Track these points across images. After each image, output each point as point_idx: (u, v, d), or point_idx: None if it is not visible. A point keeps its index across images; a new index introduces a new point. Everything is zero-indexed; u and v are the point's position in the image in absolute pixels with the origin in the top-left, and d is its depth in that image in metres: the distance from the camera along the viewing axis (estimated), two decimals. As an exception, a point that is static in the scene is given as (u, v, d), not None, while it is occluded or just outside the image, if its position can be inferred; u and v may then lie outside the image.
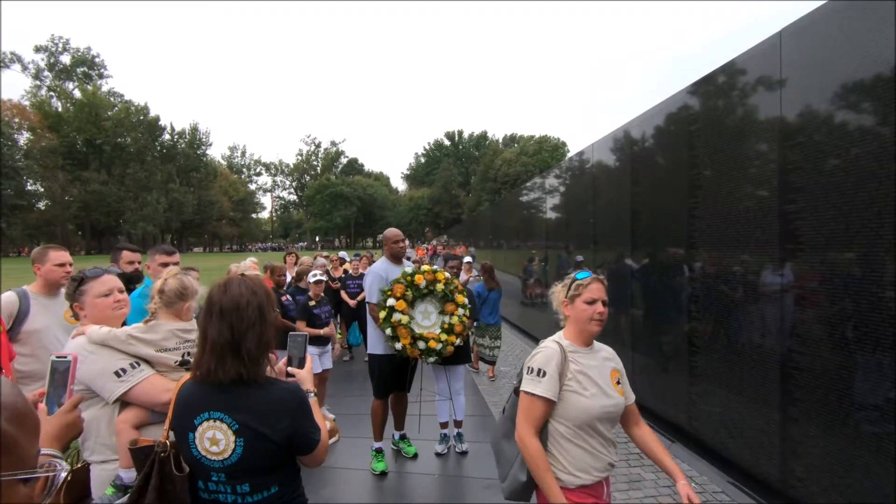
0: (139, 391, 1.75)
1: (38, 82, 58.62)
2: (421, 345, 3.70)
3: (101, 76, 62.53)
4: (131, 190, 56.14)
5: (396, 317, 3.70)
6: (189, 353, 1.94)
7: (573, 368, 1.82)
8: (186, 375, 1.93)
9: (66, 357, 1.48)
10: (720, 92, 3.85)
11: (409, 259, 10.50)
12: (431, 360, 3.77)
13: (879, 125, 2.49)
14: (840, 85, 2.74)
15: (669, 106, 4.54)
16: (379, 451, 4.00)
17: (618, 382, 1.91)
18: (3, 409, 0.59)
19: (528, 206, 10.21)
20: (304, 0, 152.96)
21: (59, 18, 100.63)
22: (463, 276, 8.21)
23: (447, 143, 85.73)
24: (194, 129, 68.00)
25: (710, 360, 3.84)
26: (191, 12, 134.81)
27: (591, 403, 1.78)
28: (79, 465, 1.83)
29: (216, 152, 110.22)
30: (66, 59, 60.21)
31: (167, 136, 65.02)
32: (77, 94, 58.18)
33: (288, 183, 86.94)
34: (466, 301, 4.05)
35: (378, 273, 4.01)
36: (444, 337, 3.79)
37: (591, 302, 1.84)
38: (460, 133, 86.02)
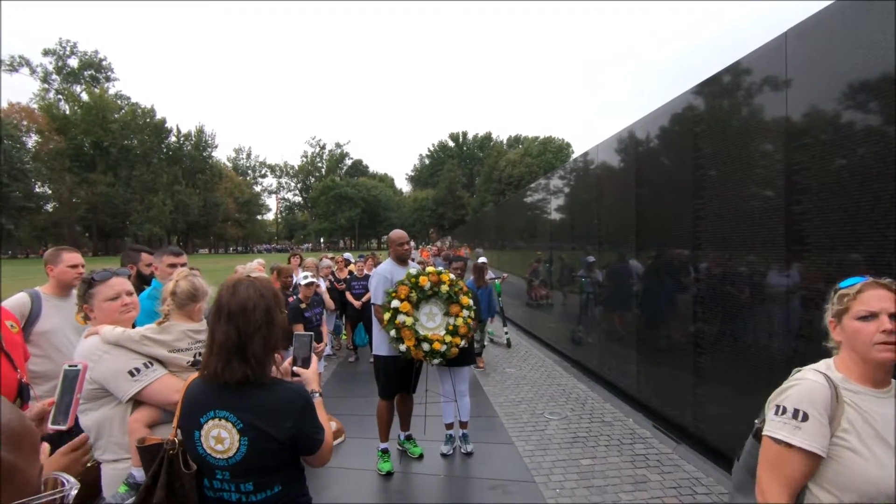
0: (152, 390, 1.78)
1: (46, 85, 59.27)
2: (425, 346, 3.70)
3: (108, 79, 63.14)
4: (138, 192, 56.58)
5: (401, 318, 3.70)
6: (200, 354, 1.97)
7: (851, 415, 1.29)
8: (195, 375, 1.96)
9: (77, 366, 1.51)
10: (725, 93, 3.85)
11: (413, 261, 10.55)
12: (436, 361, 3.77)
13: (885, 125, 2.49)
14: (846, 85, 2.74)
15: (674, 107, 4.54)
16: (385, 452, 4.01)
17: None
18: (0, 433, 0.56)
19: (533, 208, 10.20)
20: (309, 2, 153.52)
21: (67, 21, 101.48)
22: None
23: (451, 144, 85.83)
24: (200, 132, 68.44)
25: (716, 361, 3.83)
26: (197, 15, 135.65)
27: (884, 475, 1.21)
28: (88, 465, 1.86)
29: (222, 154, 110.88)
30: (73, 62, 60.92)
31: (173, 139, 65.53)
32: (84, 96, 58.64)
33: (293, 184, 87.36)
34: (472, 303, 4.03)
35: (383, 275, 4.02)
36: (448, 339, 3.79)
37: (869, 317, 1.31)
38: (465, 134, 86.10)
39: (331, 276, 7.83)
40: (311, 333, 1.82)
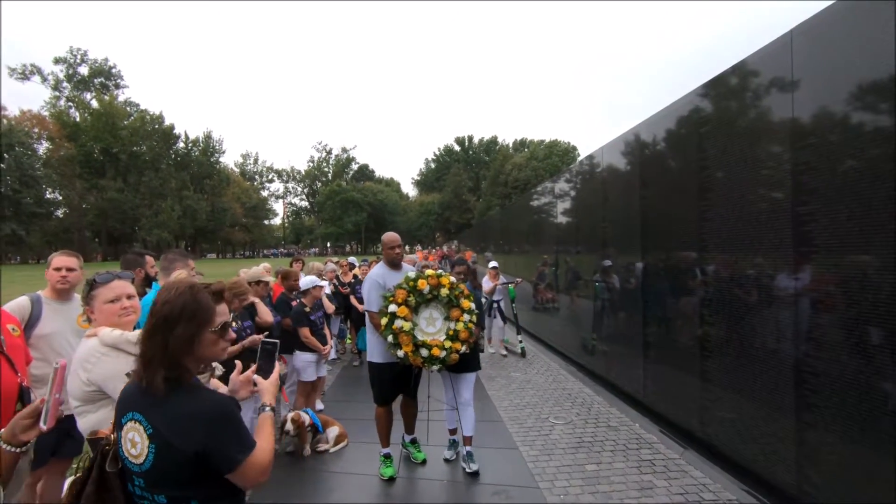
0: None
1: (56, 93, 60.13)
2: (424, 352, 3.58)
3: (117, 86, 63.89)
4: (146, 197, 57.12)
5: (398, 323, 3.57)
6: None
7: None
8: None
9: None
10: (730, 93, 3.81)
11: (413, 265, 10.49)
12: (435, 368, 3.63)
13: (894, 125, 2.44)
14: (853, 85, 2.70)
15: (679, 108, 4.50)
16: (387, 457, 3.97)
17: None
18: None
19: (537, 211, 10.17)
20: (315, 4, 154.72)
21: (78, 29, 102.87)
22: (489, 284, 7.94)
23: (457, 148, 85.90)
24: (208, 137, 69.06)
25: (723, 365, 3.77)
26: (206, 22, 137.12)
27: None
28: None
29: (229, 159, 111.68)
30: (84, 70, 61.67)
31: (181, 144, 66.14)
32: (94, 104, 59.37)
33: (300, 189, 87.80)
34: (473, 307, 3.88)
35: (375, 280, 3.91)
36: (448, 344, 3.65)
37: None
38: (470, 138, 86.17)
39: (335, 280, 7.84)
40: (277, 342, 1.78)
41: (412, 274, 3.80)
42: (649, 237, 5.07)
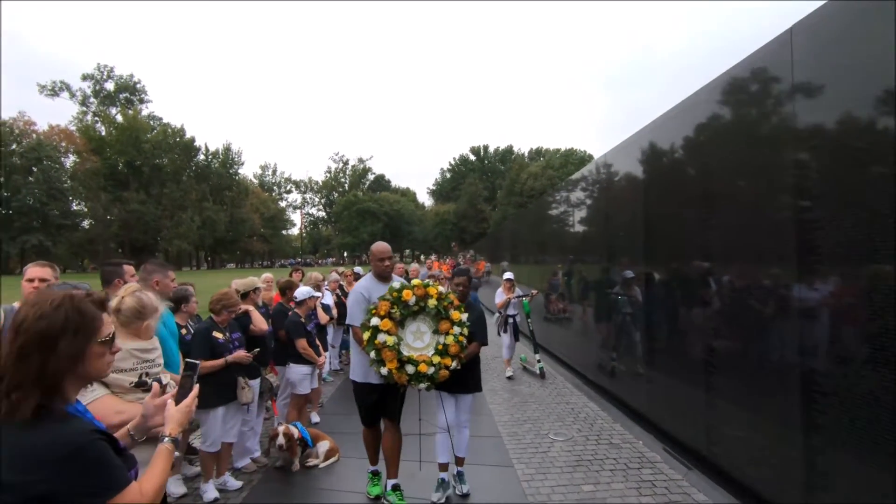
0: (90, 411, 1.68)
1: (84, 108, 62.15)
2: (410, 369, 3.27)
3: (141, 101, 65.73)
4: (168, 209, 58.39)
5: (381, 338, 3.27)
6: (147, 374, 1.88)
7: None
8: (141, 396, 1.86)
9: None
10: (730, 95, 3.64)
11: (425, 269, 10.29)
12: (422, 386, 3.32)
13: (899, 124, 2.26)
14: (858, 84, 2.53)
15: (680, 111, 4.35)
16: (375, 474, 3.82)
17: None
18: None
19: (547, 219, 10.01)
20: (332, 16, 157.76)
21: (105, 47, 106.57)
22: (502, 297, 7.40)
23: (473, 158, 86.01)
24: (227, 150, 70.44)
25: (730, 381, 3.57)
26: (226, 37, 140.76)
27: None
28: None
29: (248, 171, 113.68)
30: (110, 85, 63.64)
31: (202, 157, 67.50)
32: (119, 118, 61.14)
33: (317, 200, 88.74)
34: (465, 318, 3.55)
35: (359, 293, 3.61)
36: (437, 360, 3.33)
37: None
38: (486, 148, 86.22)
39: (338, 291, 7.78)
40: (198, 363, 1.67)
41: (397, 284, 3.52)
42: (651, 245, 4.89)
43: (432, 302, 3.48)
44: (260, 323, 4.43)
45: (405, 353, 3.35)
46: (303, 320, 4.82)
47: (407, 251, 78.85)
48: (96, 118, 61.78)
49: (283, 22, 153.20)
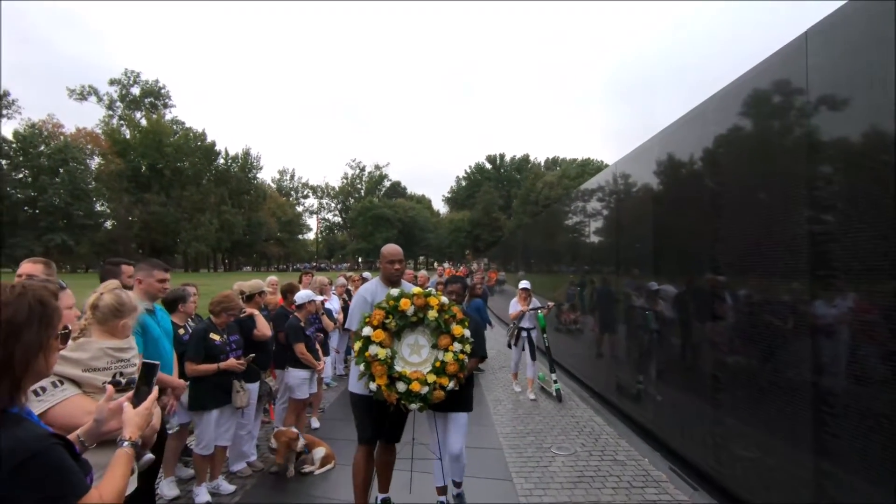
0: (58, 412, 1.63)
1: (110, 112, 63.78)
2: (400, 386, 2.95)
3: (165, 105, 67.23)
4: (187, 211, 59.42)
5: (372, 350, 2.98)
6: (122, 374, 1.83)
7: None
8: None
9: None
10: (744, 103, 3.52)
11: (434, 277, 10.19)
12: (414, 406, 2.98)
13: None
14: (874, 89, 2.40)
15: (689, 120, 4.24)
16: None
17: None
18: None
19: (555, 228, 9.88)
20: (349, 24, 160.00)
21: (132, 52, 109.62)
22: (517, 308, 6.88)
23: (488, 166, 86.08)
24: (246, 154, 71.50)
25: (739, 398, 3.42)
26: (248, 43, 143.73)
27: None
28: None
29: (266, 175, 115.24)
30: (136, 90, 65.30)
31: (221, 161, 68.62)
32: (143, 122, 62.64)
33: (333, 205, 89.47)
34: (467, 333, 3.18)
35: (363, 296, 3.39)
36: (432, 378, 3.00)
37: None
38: (502, 156, 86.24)
39: (345, 295, 7.75)
40: (157, 364, 1.62)
41: (395, 291, 3.20)
42: (661, 257, 4.76)
43: (432, 314, 3.13)
44: (264, 328, 4.39)
45: (399, 368, 3.05)
46: (302, 324, 4.78)
47: (421, 258, 78.93)
48: (122, 122, 63.33)
49: (305, 31, 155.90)
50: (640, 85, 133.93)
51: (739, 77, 3.50)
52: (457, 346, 3.12)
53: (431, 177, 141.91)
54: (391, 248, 3.51)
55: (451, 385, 3.04)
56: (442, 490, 3.54)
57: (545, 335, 6.97)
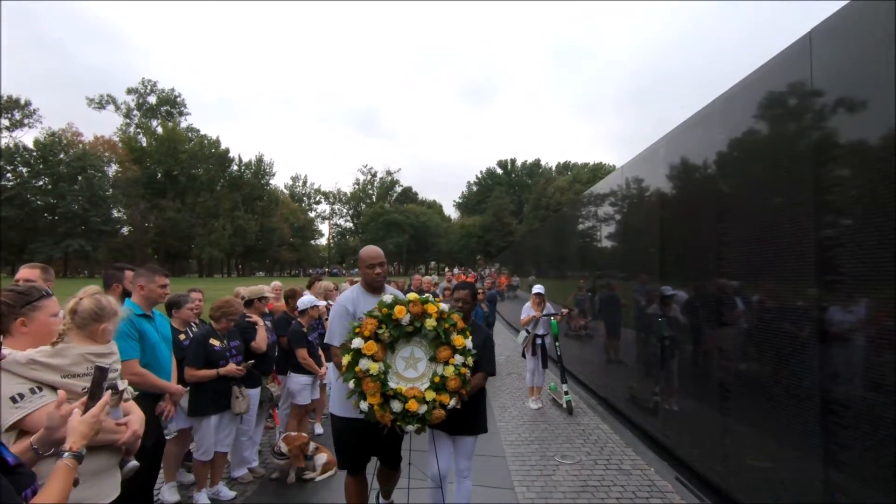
0: (36, 419, 1.62)
1: (127, 120, 65.16)
2: (396, 405, 2.63)
3: (181, 113, 68.49)
4: (201, 217, 60.25)
5: (363, 364, 2.65)
6: (103, 379, 1.82)
7: None
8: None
9: None
10: (748, 105, 3.45)
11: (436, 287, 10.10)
12: (410, 427, 2.65)
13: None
14: (881, 90, 2.33)
15: (694, 123, 4.17)
16: None
17: None
18: None
19: (564, 232, 9.80)
20: (360, 29, 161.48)
21: (149, 60, 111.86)
22: (529, 313, 6.65)
23: (499, 171, 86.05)
24: (259, 161, 72.31)
25: (747, 407, 3.33)
26: (262, 53, 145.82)
27: None
28: None
29: (279, 182, 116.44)
30: (152, 99, 66.65)
31: (235, 167, 69.52)
32: (159, 130, 63.81)
33: (345, 211, 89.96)
34: (469, 345, 2.87)
35: (343, 306, 3.04)
36: (430, 396, 2.68)
37: None
38: (513, 161, 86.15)
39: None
40: (107, 368, 1.58)
41: (388, 297, 2.86)
42: (668, 261, 4.68)
43: (430, 322, 2.79)
44: (261, 342, 4.30)
45: (393, 384, 2.71)
46: (305, 330, 4.78)
47: (432, 263, 78.94)
48: (138, 130, 64.61)
49: (317, 38, 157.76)
50: (652, 88, 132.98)
51: (744, 77, 3.44)
52: (458, 359, 2.79)
53: (443, 182, 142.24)
54: (370, 251, 3.14)
55: (452, 403, 2.71)
56: None
57: (557, 343, 6.72)
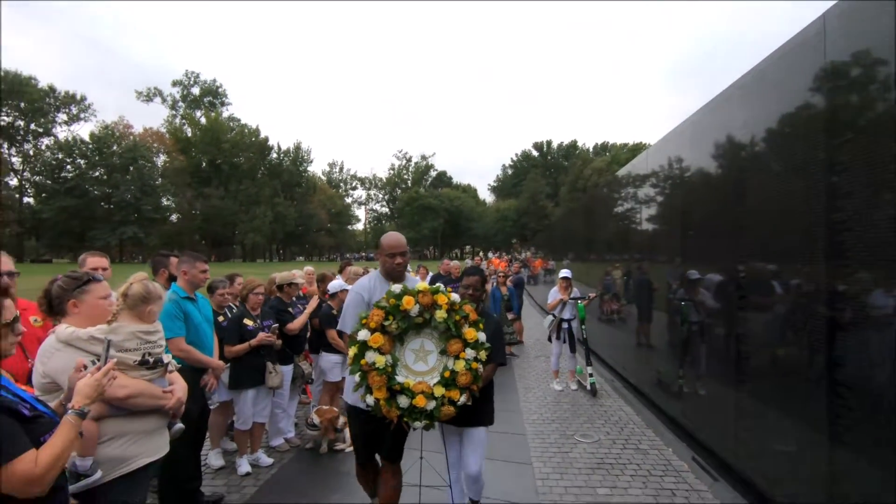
0: None
1: (173, 112, 67.89)
2: (402, 401, 2.51)
3: (223, 104, 70.74)
4: (243, 204, 62.50)
5: (370, 357, 2.53)
6: (149, 354, 2.11)
7: None
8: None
9: None
10: (763, 88, 3.41)
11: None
12: (418, 424, 2.54)
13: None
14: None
15: (712, 107, 4.13)
16: None
17: None
18: None
19: (595, 214, 9.74)
20: (394, 18, 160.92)
21: (192, 52, 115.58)
22: (556, 296, 6.65)
23: (535, 153, 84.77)
24: (297, 148, 73.97)
25: (760, 388, 3.37)
26: (299, 43, 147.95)
27: None
28: None
29: (317, 168, 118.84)
30: (196, 90, 69.07)
31: (274, 155, 71.45)
32: (203, 120, 66.23)
33: (381, 196, 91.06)
34: (483, 338, 2.70)
35: (358, 293, 2.93)
36: (440, 391, 2.55)
37: None
38: (549, 143, 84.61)
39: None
40: (110, 339, 1.83)
41: (396, 288, 2.70)
42: (689, 245, 4.67)
43: (440, 314, 2.65)
44: (296, 325, 4.70)
45: (401, 378, 2.60)
46: (335, 312, 5.06)
47: (468, 247, 79.07)
48: (183, 120, 67.27)
49: (352, 25, 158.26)
50: (687, 65, 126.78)
51: (760, 62, 3.39)
52: (469, 353, 2.64)
53: (477, 166, 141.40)
54: (391, 238, 3.00)
55: (462, 399, 2.58)
56: None
57: (584, 327, 6.77)
